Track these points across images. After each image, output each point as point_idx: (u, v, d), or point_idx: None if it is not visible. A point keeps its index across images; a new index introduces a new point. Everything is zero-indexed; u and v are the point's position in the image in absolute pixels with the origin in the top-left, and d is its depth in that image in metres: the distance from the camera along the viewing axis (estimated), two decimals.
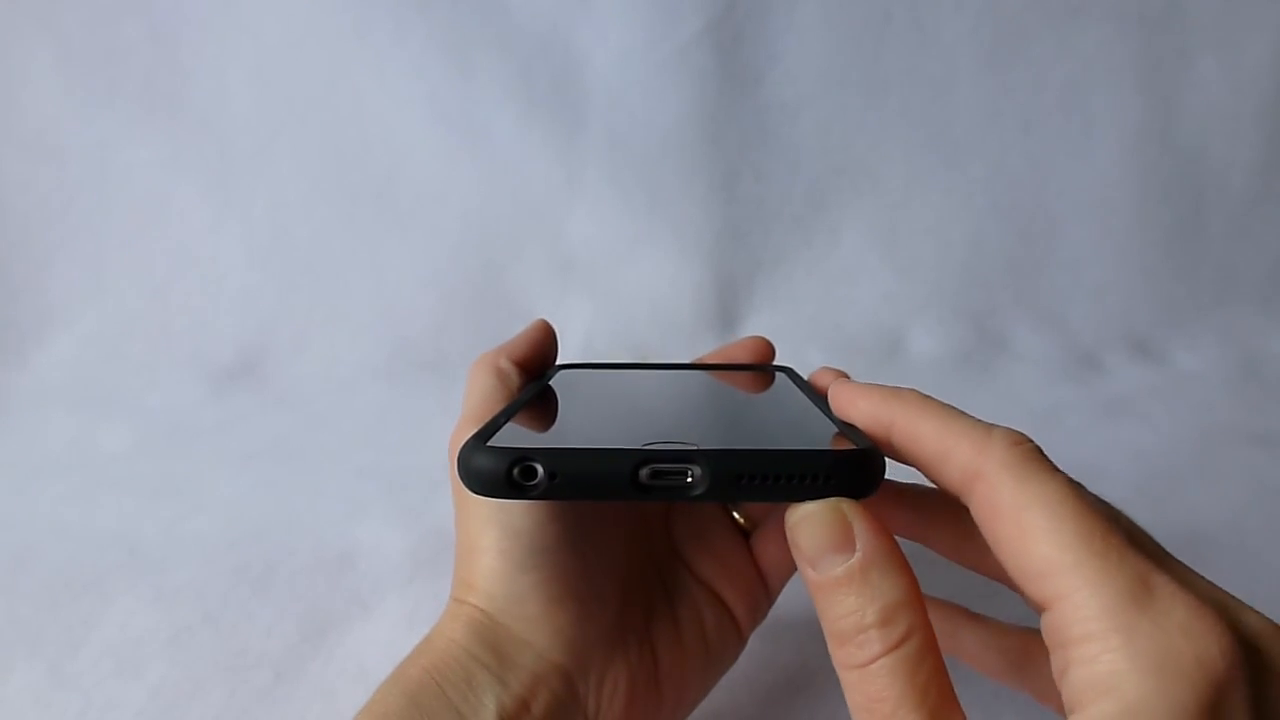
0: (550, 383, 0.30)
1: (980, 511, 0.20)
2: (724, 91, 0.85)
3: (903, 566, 0.19)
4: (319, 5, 0.81)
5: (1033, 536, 0.18)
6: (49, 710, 0.36)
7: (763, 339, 0.35)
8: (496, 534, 0.25)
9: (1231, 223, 0.93)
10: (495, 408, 0.27)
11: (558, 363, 0.33)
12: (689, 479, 0.20)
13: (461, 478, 0.21)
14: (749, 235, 0.88)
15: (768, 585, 0.32)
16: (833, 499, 0.20)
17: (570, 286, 0.86)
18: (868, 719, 0.19)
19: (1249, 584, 0.20)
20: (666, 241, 0.87)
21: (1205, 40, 0.88)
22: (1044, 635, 0.19)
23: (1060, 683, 0.18)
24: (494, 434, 0.22)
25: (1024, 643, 0.27)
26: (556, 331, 0.33)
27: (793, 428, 0.25)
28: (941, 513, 0.26)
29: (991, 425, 0.21)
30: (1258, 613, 0.19)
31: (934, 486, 0.22)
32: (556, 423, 0.26)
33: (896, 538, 0.20)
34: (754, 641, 0.32)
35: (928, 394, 0.23)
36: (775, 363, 0.35)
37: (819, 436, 0.23)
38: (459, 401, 0.29)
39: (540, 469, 0.20)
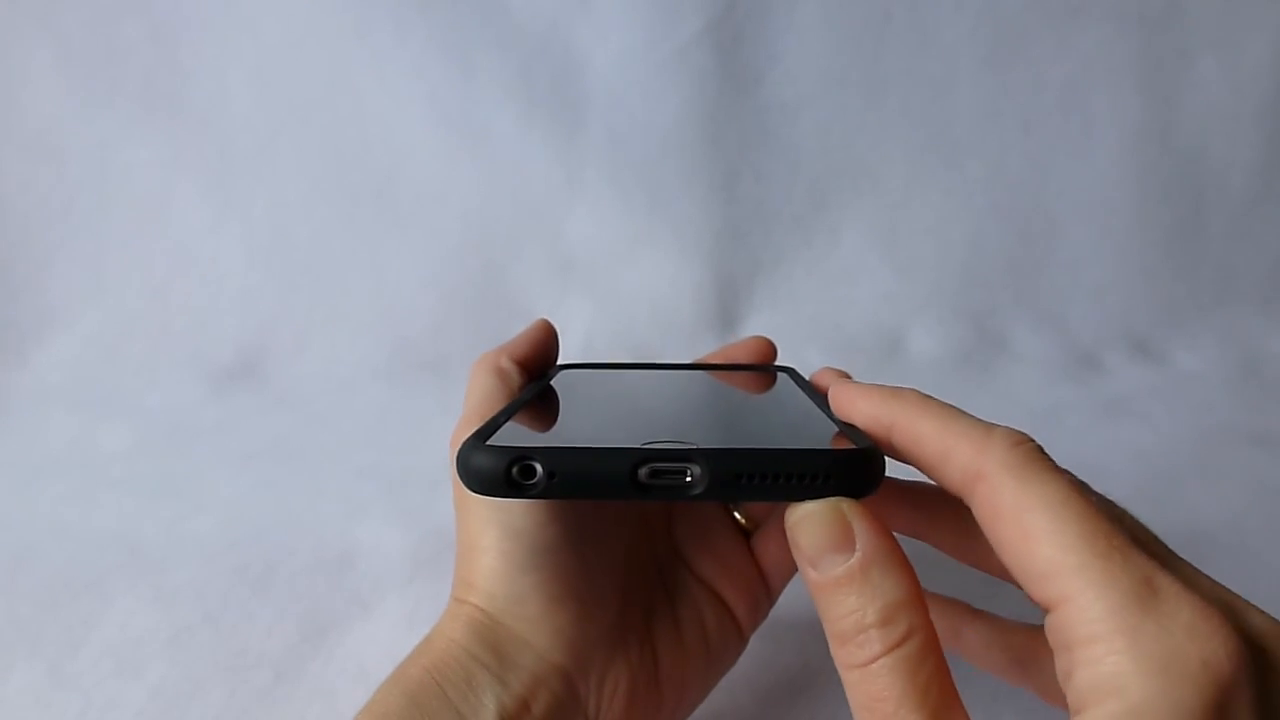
0: (551, 382, 0.30)
1: (982, 513, 0.20)
2: (724, 92, 0.85)
3: (903, 565, 0.19)
4: (319, 5, 0.81)
5: (1035, 538, 0.18)
6: (49, 710, 0.36)
7: (764, 339, 0.34)
8: (497, 534, 0.25)
9: (1231, 223, 0.93)
10: (496, 407, 0.27)
11: (559, 363, 0.33)
12: (688, 478, 0.20)
13: (460, 476, 0.21)
14: (749, 235, 0.88)
15: (769, 585, 0.32)
16: (832, 498, 0.20)
17: (570, 286, 0.86)
18: (869, 719, 0.19)
19: (1249, 584, 0.19)
20: (666, 241, 0.87)
21: (1205, 40, 0.88)
22: (1048, 637, 0.19)
23: (1065, 685, 0.18)
24: (493, 433, 0.22)
25: (1027, 640, 0.27)
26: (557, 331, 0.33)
27: (793, 427, 0.25)
28: (942, 510, 0.25)
29: (992, 425, 0.21)
30: (1263, 613, 0.19)
31: (934, 483, 0.22)
32: (556, 422, 0.26)
33: (898, 536, 0.20)
34: (755, 642, 0.32)
35: (928, 394, 0.23)
36: (777, 363, 0.34)
37: (819, 436, 0.23)
38: (459, 401, 0.29)
39: (539, 468, 0.20)
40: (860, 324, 0.88)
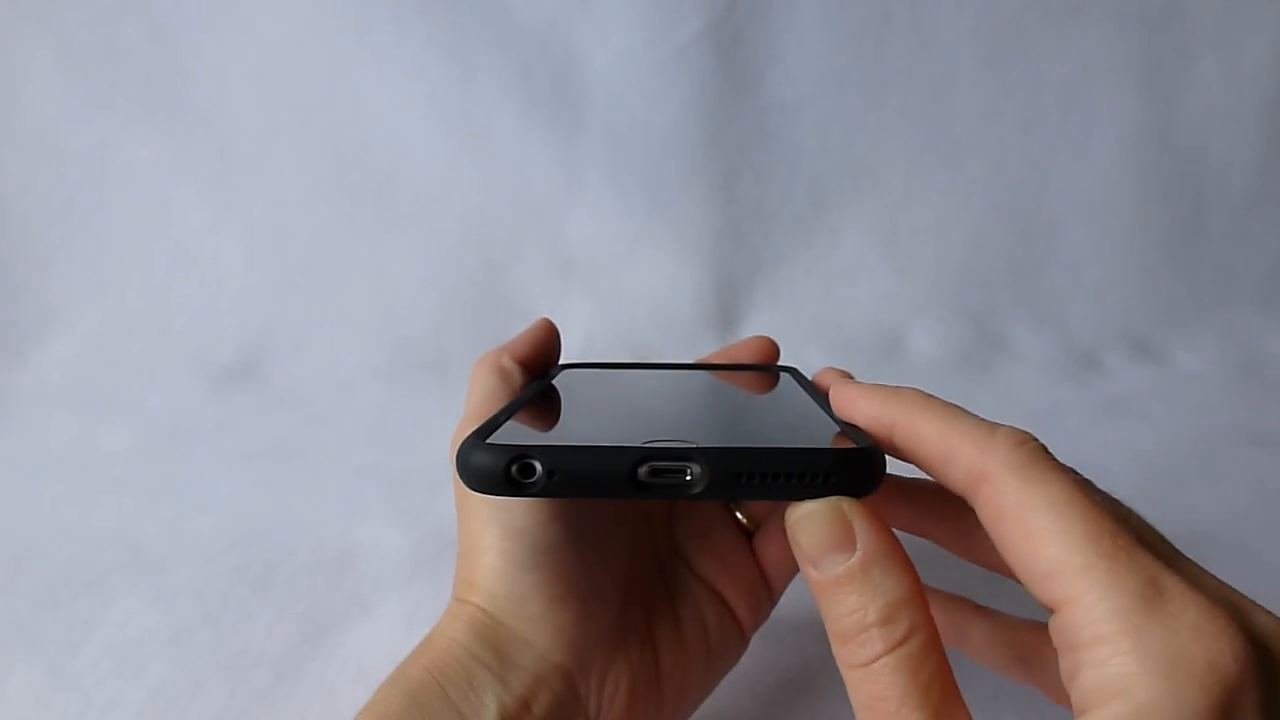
0: (552, 382, 0.30)
1: (986, 513, 0.20)
2: (724, 92, 0.85)
3: (904, 564, 0.19)
4: (319, 5, 0.81)
5: (1040, 539, 0.18)
6: (49, 710, 0.36)
7: (767, 339, 0.34)
8: (498, 533, 0.25)
9: (1231, 223, 0.93)
10: (498, 406, 0.26)
11: (561, 362, 0.33)
12: (688, 477, 0.20)
13: (460, 475, 0.21)
14: (749, 235, 0.88)
15: (770, 585, 0.32)
16: (833, 497, 0.20)
17: (570, 286, 0.86)
18: (871, 718, 0.19)
19: (1249, 584, 0.19)
20: (666, 241, 0.87)
21: (1205, 40, 0.88)
22: (1053, 637, 0.19)
23: (1069, 685, 0.18)
24: (493, 431, 0.22)
25: (1031, 637, 0.27)
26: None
27: (794, 427, 0.25)
28: (943, 506, 0.25)
29: (995, 424, 0.21)
30: (1269, 613, 0.19)
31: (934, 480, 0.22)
32: (557, 421, 0.26)
33: (899, 533, 0.20)
34: (756, 642, 0.32)
35: (930, 393, 0.23)
36: (780, 363, 0.34)
37: (820, 436, 0.23)
38: (459, 401, 0.29)
39: (539, 466, 0.20)
40: (860, 324, 0.88)
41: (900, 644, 0.18)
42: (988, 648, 0.28)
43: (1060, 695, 0.25)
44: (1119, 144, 0.90)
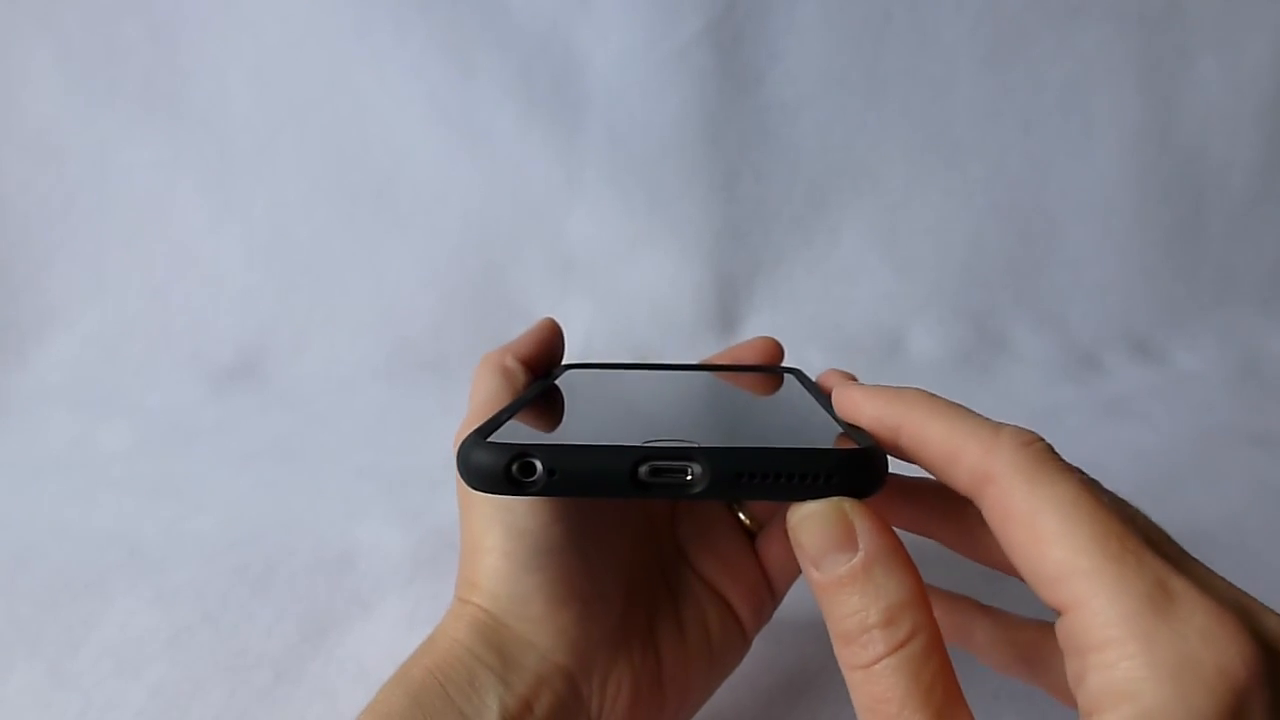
0: (555, 382, 0.30)
1: (992, 515, 0.20)
2: (724, 91, 0.85)
3: (906, 565, 0.19)
4: (319, 5, 0.81)
5: (1047, 541, 0.18)
6: (49, 710, 0.36)
7: (771, 340, 0.34)
8: (500, 534, 0.25)
9: (1231, 223, 0.93)
10: (500, 406, 0.26)
11: (564, 363, 0.33)
12: (689, 476, 0.20)
13: (461, 473, 0.21)
14: (749, 235, 0.88)
15: (773, 587, 0.32)
16: (835, 498, 0.20)
17: (570, 287, 0.86)
18: (873, 719, 0.19)
19: (1249, 584, 0.19)
20: (666, 241, 0.87)
21: (1205, 40, 0.88)
22: (1060, 640, 0.19)
23: (1076, 688, 0.18)
24: (494, 430, 0.22)
25: (1036, 637, 0.27)
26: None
27: (797, 428, 0.25)
28: (945, 506, 0.25)
29: (1000, 424, 0.20)
30: (1278, 615, 0.19)
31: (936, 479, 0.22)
32: (559, 421, 0.26)
33: (901, 533, 0.20)
34: (758, 643, 0.32)
35: (933, 393, 0.22)
36: (783, 364, 0.34)
37: (822, 436, 0.23)
38: (459, 402, 0.28)
39: (539, 465, 0.20)
40: (860, 324, 0.88)
41: (902, 645, 0.18)
42: (991, 647, 0.28)
43: (1064, 695, 0.25)
44: (1119, 144, 0.90)
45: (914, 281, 0.90)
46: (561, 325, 0.33)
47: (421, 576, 0.45)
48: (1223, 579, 0.20)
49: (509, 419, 0.23)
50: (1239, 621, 0.17)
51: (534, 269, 0.86)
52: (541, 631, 0.25)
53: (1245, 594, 0.19)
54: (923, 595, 0.19)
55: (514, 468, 0.20)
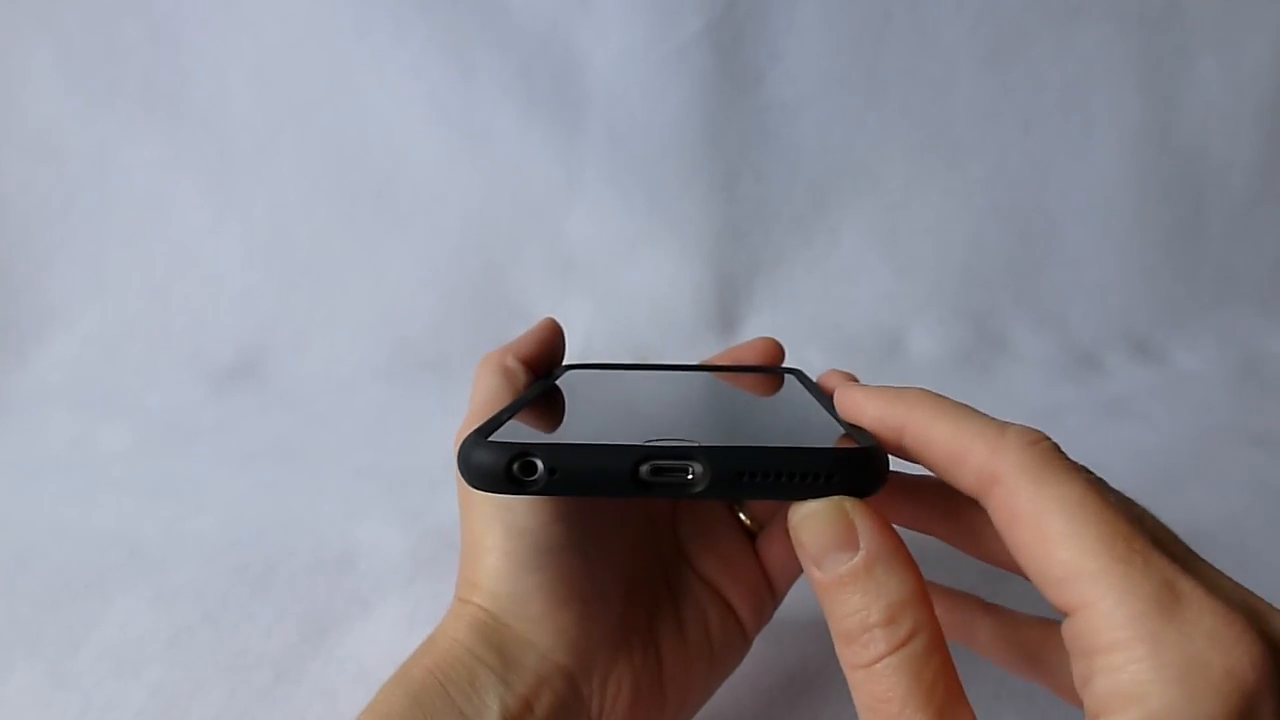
0: (556, 382, 0.30)
1: (998, 516, 0.20)
2: (724, 91, 0.85)
3: (908, 563, 0.19)
4: (319, 5, 0.81)
5: (1053, 542, 0.18)
6: (49, 710, 0.36)
7: (772, 340, 0.34)
8: (501, 534, 0.25)
9: (1231, 223, 0.93)
10: (501, 406, 0.26)
11: (565, 363, 0.33)
12: (689, 476, 0.20)
13: (462, 472, 0.21)
14: (749, 235, 0.88)
15: (773, 587, 0.32)
16: (836, 497, 0.20)
17: (570, 287, 0.86)
18: (874, 719, 0.18)
19: (1249, 584, 0.19)
20: (666, 241, 0.87)
21: (1205, 40, 0.88)
22: (1066, 641, 0.18)
23: (1082, 690, 0.18)
24: (495, 430, 0.22)
25: (1039, 635, 0.27)
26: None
27: (797, 427, 0.25)
28: (947, 504, 0.25)
29: (1006, 424, 0.20)
30: None
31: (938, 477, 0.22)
32: (560, 420, 0.26)
33: (902, 531, 0.20)
34: (758, 643, 0.32)
35: (937, 392, 0.22)
36: (784, 365, 0.34)
37: (823, 436, 0.23)
38: (459, 402, 0.28)
39: (540, 464, 0.20)
40: (860, 324, 0.88)
41: (903, 644, 0.18)
42: (995, 645, 0.28)
43: (1067, 693, 0.25)
44: (1119, 144, 0.90)
45: (914, 281, 0.90)
46: (562, 325, 0.33)
47: (421, 576, 0.45)
48: (1230, 580, 0.19)
49: (510, 418, 0.23)
50: (1247, 623, 0.17)
51: (534, 269, 0.86)
52: (542, 631, 0.25)
53: (1253, 595, 0.19)
54: (924, 594, 0.19)
55: (515, 467, 0.20)
